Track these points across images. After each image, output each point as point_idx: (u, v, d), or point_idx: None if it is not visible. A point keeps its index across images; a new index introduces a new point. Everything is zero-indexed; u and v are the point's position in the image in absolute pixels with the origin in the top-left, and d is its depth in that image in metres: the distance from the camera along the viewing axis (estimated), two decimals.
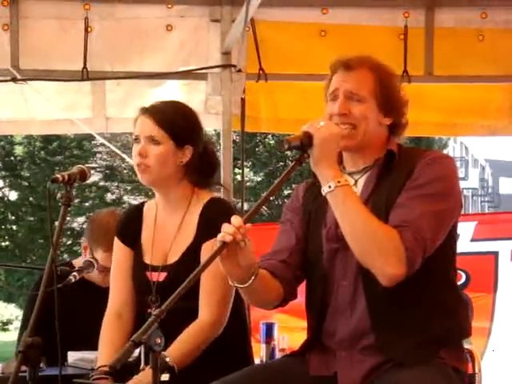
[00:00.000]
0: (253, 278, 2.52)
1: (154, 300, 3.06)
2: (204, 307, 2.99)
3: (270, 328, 3.42)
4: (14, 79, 4.74)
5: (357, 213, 2.54)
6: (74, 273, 3.40)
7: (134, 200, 21.45)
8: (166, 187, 3.11)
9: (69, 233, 21.73)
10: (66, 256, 19.96)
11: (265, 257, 2.77)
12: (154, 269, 3.10)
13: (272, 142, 22.60)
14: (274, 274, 2.70)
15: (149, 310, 3.03)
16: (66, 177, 2.77)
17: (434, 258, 2.58)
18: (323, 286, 2.69)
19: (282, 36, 4.95)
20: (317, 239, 2.71)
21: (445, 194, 2.62)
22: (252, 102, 4.98)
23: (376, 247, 2.51)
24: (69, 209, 2.76)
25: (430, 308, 2.62)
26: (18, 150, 22.33)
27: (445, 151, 27.91)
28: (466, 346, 2.76)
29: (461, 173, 47.29)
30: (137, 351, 2.81)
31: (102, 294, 3.50)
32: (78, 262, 3.81)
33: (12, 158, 22.60)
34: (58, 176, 2.76)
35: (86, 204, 22.17)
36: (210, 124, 5.21)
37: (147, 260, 3.13)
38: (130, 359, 2.73)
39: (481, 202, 51.57)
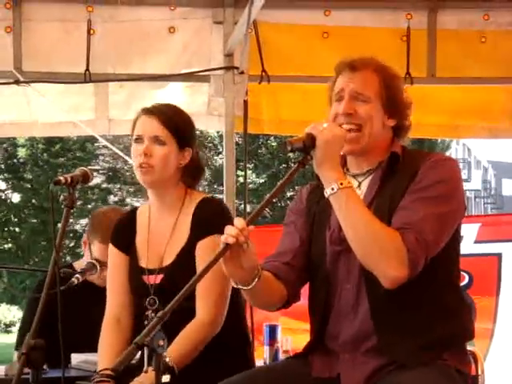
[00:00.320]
0: (256, 280, 2.52)
1: (152, 302, 3.06)
2: (201, 306, 3.00)
3: (273, 330, 3.42)
4: (17, 81, 4.75)
5: (359, 215, 2.54)
6: (77, 275, 3.39)
7: (137, 202, 21.45)
8: (164, 188, 3.11)
9: (71, 235, 21.74)
10: (68, 258, 19.98)
11: (268, 258, 2.77)
12: (151, 272, 3.10)
13: (274, 143, 22.61)
14: (277, 275, 2.70)
15: (146, 313, 3.04)
16: (69, 179, 2.77)
17: (437, 260, 2.58)
18: (326, 288, 2.69)
19: (285, 38, 4.95)
20: (320, 241, 2.71)
21: (448, 196, 2.61)
22: (255, 103, 4.98)
23: (378, 249, 2.51)
24: (71, 211, 2.76)
25: (432, 310, 2.62)
26: (21, 152, 22.36)
27: (447, 153, 27.91)
28: (469, 347, 2.76)
29: (463, 174, 47.30)
30: (138, 353, 2.81)
31: (101, 294, 3.51)
32: (79, 264, 3.81)
33: (15, 160, 22.63)
34: (61, 178, 2.76)
35: (89, 206, 22.19)
36: (213, 126, 5.22)
37: (143, 264, 3.14)
38: (133, 361, 2.73)
39: (484, 203, 51.54)
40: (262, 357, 3.41)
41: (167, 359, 2.18)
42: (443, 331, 2.61)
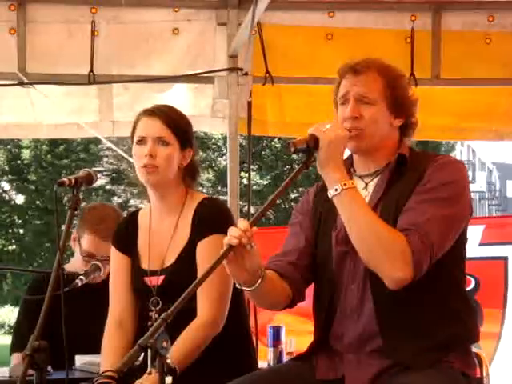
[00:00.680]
0: (259, 281, 2.52)
1: (155, 303, 3.06)
2: (202, 306, 3.00)
3: (277, 331, 3.41)
4: (21, 83, 4.75)
5: (363, 216, 2.54)
6: (81, 276, 3.39)
7: (141, 204, 21.46)
8: (167, 189, 3.11)
9: None
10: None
11: (273, 258, 2.78)
12: (153, 273, 3.10)
13: (278, 145, 22.62)
14: (282, 275, 2.70)
15: (150, 314, 3.04)
16: (73, 180, 2.77)
17: (443, 262, 2.58)
18: (331, 288, 2.69)
19: (289, 39, 4.95)
20: (326, 242, 2.71)
21: (454, 198, 2.61)
22: (258, 105, 4.98)
23: (382, 250, 2.50)
24: (75, 212, 2.76)
25: (437, 312, 2.62)
26: (25, 154, 22.39)
27: (452, 154, 27.87)
28: (475, 349, 2.75)
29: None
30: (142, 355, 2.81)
31: (96, 294, 3.51)
32: (71, 265, 3.78)
33: (19, 162, 22.66)
34: (65, 180, 2.76)
35: None
36: (217, 127, 5.21)
37: (145, 265, 3.14)
38: (136, 362, 2.73)
39: (488, 205, 51.47)
40: (265, 358, 3.40)
41: (169, 360, 2.18)
42: (448, 333, 2.61)
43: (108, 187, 23.51)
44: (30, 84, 4.76)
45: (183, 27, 4.87)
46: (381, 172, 2.71)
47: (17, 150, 22.54)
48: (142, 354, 2.19)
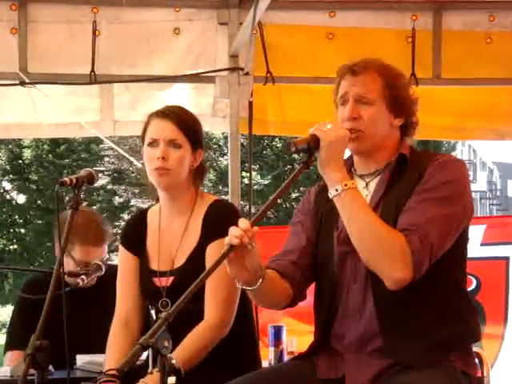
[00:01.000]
0: (260, 280, 2.52)
1: (165, 304, 3.06)
2: (209, 308, 3.00)
3: (278, 331, 3.41)
4: (23, 83, 4.75)
5: (363, 216, 2.54)
6: (82, 276, 3.39)
7: (142, 203, 21.47)
8: (178, 190, 3.11)
9: None
10: None
11: (274, 257, 2.78)
12: (162, 274, 3.10)
13: (279, 145, 22.61)
14: (283, 274, 2.70)
15: (160, 315, 3.04)
16: (74, 180, 2.77)
17: (443, 262, 2.58)
18: (333, 288, 2.69)
19: (290, 39, 4.95)
20: (328, 242, 2.71)
21: (455, 197, 2.61)
22: (259, 104, 4.98)
23: (382, 251, 2.50)
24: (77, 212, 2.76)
25: (438, 311, 2.62)
26: (26, 153, 22.39)
27: (453, 154, 27.85)
28: (475, 349, 2.75)
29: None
30: (144, 354, 2.81)
31: (94, 293, 3.51)
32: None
33: (20, 162, 22.66)
34: (66, 179, 2.76)
35: (94, 207, 22.20)
36: (218, 127, 5.21)
37: (154, 266, 3.14)
38: (138, 362, 2.73)
39: (489, 205, 51.46)
40: (267, 358, 3.40)
41: (174, 361, 2.18)
42: (449, 332, 2.61)
43: (109, 187, 23.50)
44: (31, 84, 4.76)
45: (184, 27, 4.87)
46: (381, 171, 2.71)
47: (18, 149, 22.54)
48: (145, 352, 2.19)
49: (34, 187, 22.74)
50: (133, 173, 22.79)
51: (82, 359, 3.41)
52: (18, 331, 3.68)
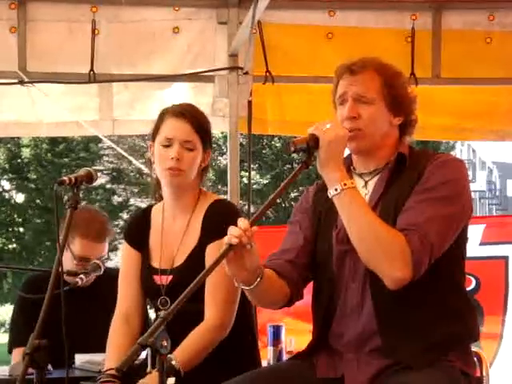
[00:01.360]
0: (258, 279, 2.53)
1: (164, 302, 3.07)
2: (209, 309, 3.00)
3: (277, 331, 3.41)
4: (22, 82, 4.75)
5: (363, 215, 2.54)
6: (81, 275, 3.39)
7: (141, 202, 21.46)
8: (185, 190, 3.12)
9: None
10: None
11: (271, 256, 2.78)
12: (163, 272, 3.11)
13: (278, 144, 22.61)
14: (280, 273, 2.70)
15: (159, 313, 3.05)
16: (73, 179, 2.76)
17: (442, 261, 2.58)
18: (331, 287, 2.69)
19: (289, 38, 4.94)
20: (327, 241, 2.71)
21: (454, 197, 2.61)
22: (259, 104, 4.98)
23: (382, 250, 2.50)
24: (75, 211, 2.76)
25: (437, 311, 2.62)
26: (25, 153, 22.37)
27: (452, 153, 27.86)
28: (474, 348, 2.75)
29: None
30: (144, 354, 2.81)
31: (85, 296, 3.50)
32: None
33: (19, 161, 22.64)
34: (65, 178, 2.75)
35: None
36: (217, 126, 5.21)
37: (155, 264, 3.14)
38: (137, 362, 2.73)
39: (488, 204, 51.47)
40: (265, 357, 3.40)
41: (174, 362, 2.17)
42: (447, 332, 2.60)
43: (108, 186, 23.48)
44: (31, 83, 4.76)
45: (183, 26, 4.87)
46: (381, 170, 2.71)
47: (17, 148, 22.52)
48: (145, 352, 2.19)
49: (33, 186, 22.73)
50: (132, 172, 22.78)
51: (80, 359, 3.41)
52: (22, 328, 3.68)
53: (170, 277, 3.08)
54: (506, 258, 4.68)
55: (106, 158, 23.62)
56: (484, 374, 2.88)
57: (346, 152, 2.72)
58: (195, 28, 4.88)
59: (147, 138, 3.32)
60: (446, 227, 2.57)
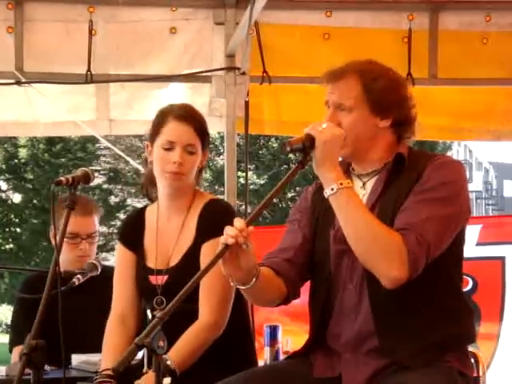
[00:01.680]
0: (254, 279, 2.52)
1: (160, 302, 3.07)
2: (203, 308, 3.00)
3: (273, 331, 3.41)
4: (19, 82, 4.75)
5: (359, 215, 2.54)
6: (78, 275, 3.39)
7: (138, 203, 21.43)
8: (183, 191, 3.13)
9: None
10: None
11: (269, 255, 2.78)
12: (158, 272, 3.11)
13: (275, 144, 22.59)
14: (278, 272, 2.70)
15: (154, 313, 3.05)
16: (70, 179, 2.77)
17: (440, 262, 2.58)
18: (328, 286, 2.69)
19: (286, 39, 4.95)
20: (324, 240, 2.71)
21: (452, 198, 2.61)
22: (256, 104, 4.98)
23: (379, 250, 2.50)
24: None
25: (434, 311, 2.62)
26: (22, 153, 22.34)
27: (448, 154, 27.87)
28: (471, 349, 2.75)
29: None
30: (140, 354, 2.81)
31: (91, 292, 3.51)
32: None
33: (16, 161, 22.61)
34: (62, 179, 2.76)
35: None
36: (214, 126, 5.21)
37: (151, 264, 3.14)
38: (134, 362, 2.73)
39: (485, 204, 51.51)
40: (262, 358, 3.40)
41: (169, 362, 2.18)
42: (445, 332, 2.61)
43: (105, 186, 23.45)
44: (28, 83, 4.76)
45: (181, 26, 4.87)
46: (379, 171, 2.71)
47: (14, 148, 22.49)
48: (141, 352, 2.19)
49: (30, 186, 22.69)
50: (129, 172, 22.75)
51: (77, 359, 3.41)
52: (22, 328, 3.68)
53: (166, 276, 3.08)
54: (502, 259, 4.68)
55: (103, 159, 23.60)
56: (481, 374, 2.88)
57: None
58: (192, 28, 4.88)
59: (144, 139, 3.32)
60: (444, 227, 2.58)
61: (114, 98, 4.97)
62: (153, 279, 3.11)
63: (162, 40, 4.87)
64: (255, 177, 22.90)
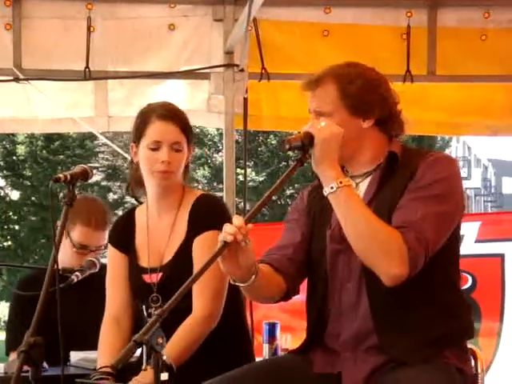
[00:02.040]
0: (253, 276, 2.52)
1: (156, 300, 3.07)
2: (197, 301, 3.00)
3: (272, 328, 3.41)
4: (17, 79, 4.74)
5: (359, 213, 2.54)
6: (77, 273, 3.39)
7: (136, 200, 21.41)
8: (172, 189, 3.14)
9: None
10: None
11: (269, 252, 2.78)
12: (152, 271, 3.12)
13: (274, 141, 22.61)
14: (277, 269, 2.70)
15: (150, 310, 3.05)
16: (69, 176, 2.76)
17: (436, 259, 2.58)
18: (324, 286, 2.69)
19: (285, 35, 4.94)
20: (321, 239, 2.71)
21: (447, 195, 2.61)
22: (254, 101, 4.97)
23: (379, 247, 2.50)
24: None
25: (432, 308, 2.62)
26: (20, 150, 22.35)
27: (447, 151, 27.90)
28: (469, 345, 2.75)
29: (463, 172, 47.32)
30: (138, 351, 2.81)
31: (89, 289, 3.50)
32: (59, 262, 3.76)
33: (14, 158, 22.62)
34: (61, 176, 2.75)
35: None
36: (213, 123, 5.21)
37: (143, 263, 3.15)
38: (132, 359, 2.73)
39: (484, 201, 51.58)
40: (261, 355, 3.40)
41: (165, 357, 2.18)
42: (443, 329, 2.61)
43: (103, 183, 23.48)
44: (26, 80, 4.75)
45: (179, 23, 4.87)
46: (372, 172, 2.70)
47: (12, 145, 22.49)
48: (139, 350, 2.19)
49: (28, 183, 22.70)
50: (127, 169, 22.76)
51: (76, 356, 3.41)
52: (18, 330, 3.67)
53: (160, 274, 3.09)
54: (502, 256, 4.67)
55: (101, 155, 23.62)
56: (479, 371, 2.87)
57: None
58: (191, 25, 4.88)
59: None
60: (441, 224, 2.58)
61: (113, 94, 4.96)
62: (147, 278, 3.11)
63: (160, 37, 4.86)
64: (254, 174, 22.92)
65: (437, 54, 4.94)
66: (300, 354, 2.77)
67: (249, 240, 2.42)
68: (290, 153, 2.80)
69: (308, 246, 2.76)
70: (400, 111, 2.73)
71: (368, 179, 2.70)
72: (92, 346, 3.23)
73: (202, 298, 2.99)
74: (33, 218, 22.62)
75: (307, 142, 2.55)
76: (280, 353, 3.38)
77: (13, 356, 3.71)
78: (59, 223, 2.73)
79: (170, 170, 3.06)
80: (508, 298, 4.62)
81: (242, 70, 4.80)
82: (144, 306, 3.13)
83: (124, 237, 3.21)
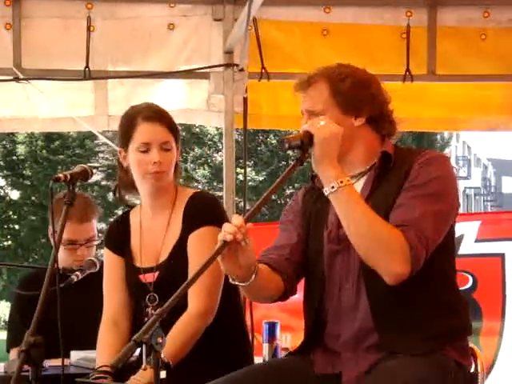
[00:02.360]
0: (253, 276, 2.53)
1: (153, 299, 3.08)
2: (192, 298, 3.01)
3: (272, 327, 3.41)
4: (17, 79, 4.74)
5: (361, 212, 2.54)
6: (77, 272, 3.39)
7: (136, 200, 21.42)
8: (165, 189, 3.15)
9: None
10: None
11: (266, 252, 2.78)
12: (148, 270, 3.13)
13: (274, 141, 22.60)
14: (275, 269, 2.71)
15: (147, 310, 3.06)
16: (69, 176, 2.76)
17: (434, 258, 2.59)
18: (322, 287, 2.70)
19: (285, 35, 4.94)
20: (318, 240, 2.71)
21: (443, 193, 2.62)
22: (254, 100, 4.98)
23: (382, 246, 2.51)
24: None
25: (431, 306, 2.63)
26: (20, 149, 22.33)
27: (447, 150, 27.91)
28: (470, 345, 2.75)
29: (463, 172, 47.34)
30: (137, 351, 2.81)
31: (88, 288, 3.51)
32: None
33: (14, 157, 22.60)
34: (60, 175, 2.75)
35: None
36: (213, 122, 5.21)
37: (139, 264, 3.16)
38: (133, 358, 2.73)
39: (483, 201, 51.60)
40: (261, 354, 3.40)
41: (162, 355, 2.18)
42: (443, 324, 2.62)
43: (103, 183, 23.45)
44: (26, 79, 4.75)
45: (179, 23, 4.87)
46: (366, 172, 2.71)
47: (12, 145, 22.48)
48: (138, 349, 2.19)
49: (28, 183, 22.69)
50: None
51: (76, 355, 3.41)
52: (19, 328, 3.68)
53: (157, 273, 3.10)
54: (502, 255, 4.67)
55: (101, 155, 23.60)
56: (479, 369, 2.87)
57: None
58: (191, 25, 4.88)
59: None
60: (439, 223, 2.59)
61: (112, 94, 4.96)
62: (143, 278, 3.12)
63: (160, 36, 4.87)
64: (254, 173, 22.91)
65: (436, 54, 4.94)
66: (300, 355, 2.77)
67: (249, 239, 2.42)
68: (290, 152, 2.81)
69: (304, 247, 2.76)
70: (392, 111, 2.74)
71: (362, 180, 2.71)
72: (92, 345, 3.23)
73: (197, 294, 2.99)
74: (33, 218, 22.60)
75: (307, 141, 2.55)
76: (280, 352, 3.38)
77: (14, 352, 3.72)
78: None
79: (162, 170, 3.07)
80: (509, 297, 4.62)
81: (241, 70, 4.80)
82: (142, 306, 3.13)
83: (119, 239, 3.22)
